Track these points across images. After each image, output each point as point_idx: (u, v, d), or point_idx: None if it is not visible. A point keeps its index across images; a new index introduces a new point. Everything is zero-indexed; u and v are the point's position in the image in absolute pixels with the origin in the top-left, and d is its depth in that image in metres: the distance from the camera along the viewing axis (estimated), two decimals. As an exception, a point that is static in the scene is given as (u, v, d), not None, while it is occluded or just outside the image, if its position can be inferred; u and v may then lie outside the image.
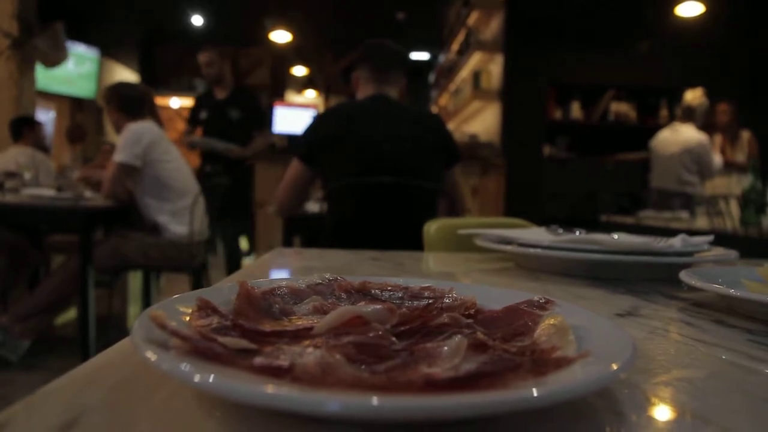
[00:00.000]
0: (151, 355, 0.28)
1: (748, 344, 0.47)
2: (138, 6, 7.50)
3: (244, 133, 3.90)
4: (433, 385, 0.25)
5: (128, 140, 2.80)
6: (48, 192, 3.17)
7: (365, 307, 0.36)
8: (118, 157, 2.79)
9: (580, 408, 0.30)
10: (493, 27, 5.98)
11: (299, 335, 0.35)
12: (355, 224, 1.99)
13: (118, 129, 2.96)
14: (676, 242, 0.80)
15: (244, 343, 0.31)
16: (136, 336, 0.30)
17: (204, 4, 7.93)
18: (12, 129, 4.15)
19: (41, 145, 4.16)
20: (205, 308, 0.37)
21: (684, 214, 3.61)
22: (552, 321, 0.36)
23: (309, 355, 0.28)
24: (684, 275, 0.62)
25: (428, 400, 0.23)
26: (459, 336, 0.32)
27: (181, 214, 2.93)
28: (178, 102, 9.52)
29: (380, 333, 0.33)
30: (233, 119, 3.86)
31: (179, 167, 2.98)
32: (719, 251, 0.88)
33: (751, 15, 5.46)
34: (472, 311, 0.42)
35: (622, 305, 0.62)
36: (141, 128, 2.84)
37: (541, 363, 0.29)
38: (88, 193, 3.32)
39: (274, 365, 0.27)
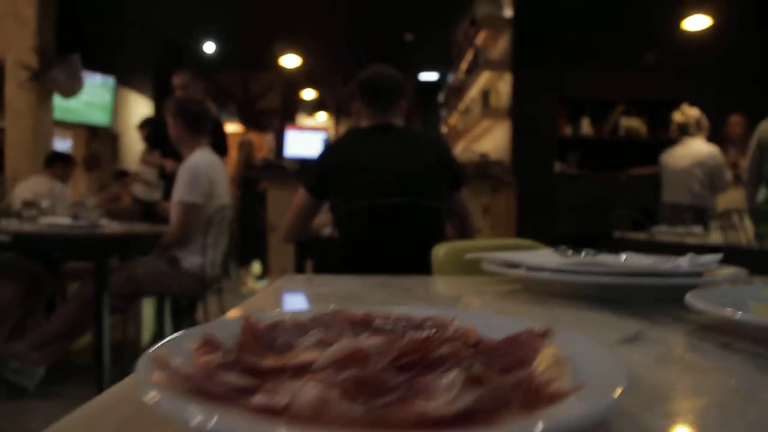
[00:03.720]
0: (151, 397, 0.29)
1: (754, 370, 0.47)
2: (152, 34, 7.67)
3: None
4: (425, 424, 0.25)
5: (189, 178, 2.80)
6: (64, 220, 3.22)
7: (365, 341, 0.37)
8: (186, 197, 2.79)
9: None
10: (501, 46, 6.02)
11: (301, 370, 0.36)
12: (365, 246, 2.01)
13: (179, 143, 2.98)
14: (684, 262, 0.80)
15: (243, 381, 0.31)
16: (139, 375, 0.31)
17: (216, 30, 8.09)
18: (48, 158, 4.29)
19: (63, 179, 4.28)
20: (210, 344, 0.38)
21: (697, 229, 3.57)
22: (551, 351, 0.36)
23: (307, 392, 0.29)
24: (689, 298, 0.62)
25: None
26: (457, 370, 0.33)
27: (203, 246, 2.93)
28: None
29: (380, 367, 0.34)
30: None
31: (220, 198, 2.99)
32: (728, 270, 0.87)
33: (760, 26, 5.45)
34: (473, 341, 0.43)
35: (628, 329, 0.62)
36: (196, 164, 2.84)
37: (535, 397, 0.30)
38: (103, 221, 3.36)
39: (269, 406, 0.27)
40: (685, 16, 5.35)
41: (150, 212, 4.08)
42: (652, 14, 5.58)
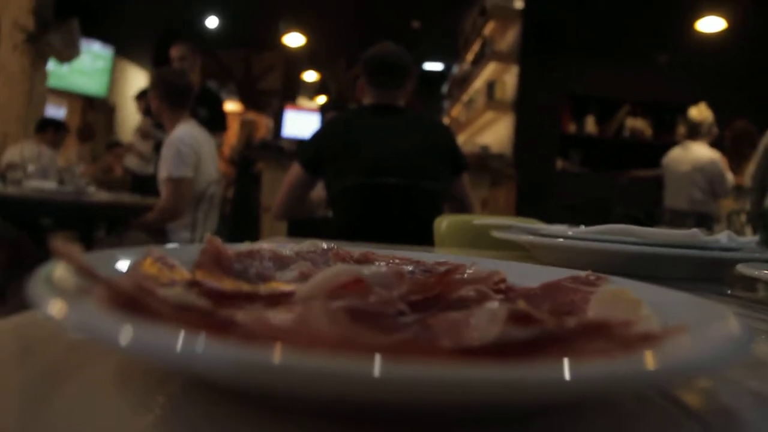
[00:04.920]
0: (57, 308, 0.19)
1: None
2: (153, 5, 7.51)
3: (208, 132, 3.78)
4: (467, 354, 0.16)
5: (175, 152, 2.62)
6: (50, 185, 3.10)
7: (366, 268, 0.27)
8: (174, 172, 2.61)
9: (670, 411, 0.21)
10: (509, 37, 5.91)
11: (276, 301, 0.26)
12: (359, 227, 1.92)
13: (160, 115, 2.82)
14: (722, 238, 0.71)
15: (192, 299, 0.22)
16: (37, 280, 0.21)
17: (219, 5, 7.94)
18: (39, 123, 4.18)
19: (54, 145, 4.18)
20: (158, 261, 0.28)
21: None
22: (616, 292, 0.27)
23: (280, 315, 0.20)
24: (743, 267, 0.52)
25: (474, 369, 0.14)
26: (494, 303, 0.23)
27: (193, 221, 2.79)
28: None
29: (384, 299, 0.25)
30: (201, 117, 3.69)
31: (208, 173, 2.83)
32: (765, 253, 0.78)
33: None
34: (501, 287, 0.33)
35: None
36: (180, 137, 2.66)
37: (616, 340, 0.20)
38: (91, 189, 3.25)
39: (221, 319, 0.18)
40: (698, 17, 5.25)
41: (140, 185, 3.97)
42: (665, 15, 5.47)
